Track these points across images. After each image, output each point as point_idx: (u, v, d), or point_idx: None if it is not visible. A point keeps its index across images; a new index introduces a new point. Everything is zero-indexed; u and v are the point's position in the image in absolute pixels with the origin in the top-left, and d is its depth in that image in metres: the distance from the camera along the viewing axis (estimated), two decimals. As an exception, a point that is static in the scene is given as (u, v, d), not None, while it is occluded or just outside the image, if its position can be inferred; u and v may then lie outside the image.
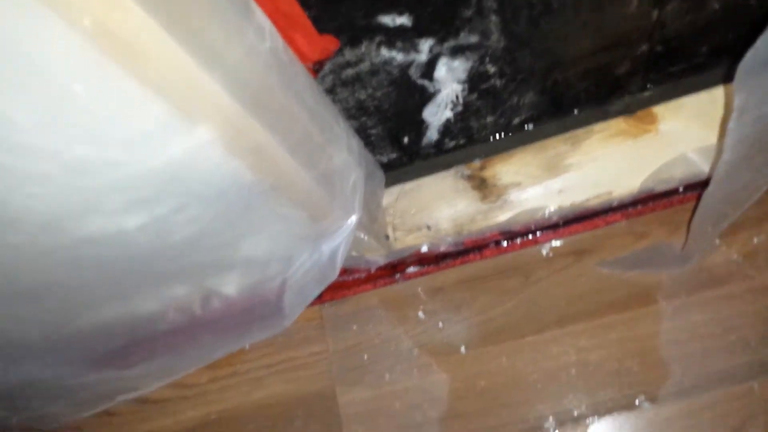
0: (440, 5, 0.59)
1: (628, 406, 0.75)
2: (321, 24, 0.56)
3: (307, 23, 0.53)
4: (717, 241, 0.76)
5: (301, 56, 0.56)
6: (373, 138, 0.78)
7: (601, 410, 0.75)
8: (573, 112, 0.81)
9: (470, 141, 0.83)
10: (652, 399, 0.74)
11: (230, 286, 0.72)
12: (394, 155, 0.83)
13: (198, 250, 0.62)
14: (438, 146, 0.83)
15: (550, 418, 0.76)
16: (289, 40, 0.53)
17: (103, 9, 0.31)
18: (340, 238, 0.63)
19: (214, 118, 0.41)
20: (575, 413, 0.76)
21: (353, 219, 0.63)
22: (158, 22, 0.33)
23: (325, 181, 0.56)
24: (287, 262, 0.65)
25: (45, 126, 0.37)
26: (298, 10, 0.52)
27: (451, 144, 0.83)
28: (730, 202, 0.63)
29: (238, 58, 0.41)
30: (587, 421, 0.75)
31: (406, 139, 0.80)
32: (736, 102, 0.49)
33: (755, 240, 0.75)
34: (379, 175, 0.75)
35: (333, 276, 0.64)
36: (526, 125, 0.82)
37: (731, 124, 0.51)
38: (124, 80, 0.35)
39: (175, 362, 0.77)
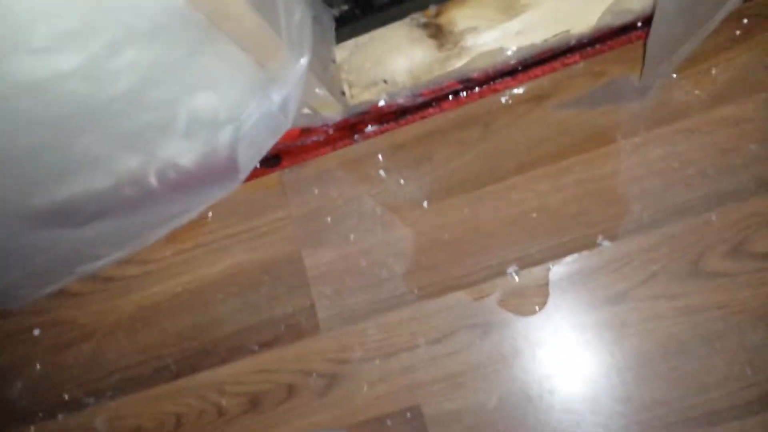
0: None
1: (588, 245, 0.76)
2: None
3: None
4: (674, 75, 0.75)
5: None
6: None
7: (562, 252, 0.76)
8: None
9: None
10: (612, 237, 0.75)
11: (183, 154, 0.70)
12: (345, 7, 0.79)
13: (143, 105, 0.59)
14: (391, -3, 0.79)
15: (514, 263, 0.77)
16: None
17: None
18: (291, 83, 0.60)
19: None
20: (537, 256, 0.77)
21: (303, 62, 0.60)
22: None
23: (267, 11, 0.52)
24: (236, 114, 0.63)
25: None
26: None
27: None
28: (680, 28, 0.61)
29: None
30: (549, 263, 0.77)
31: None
32: None
33: (713, 71, 0.74)
34: (328, 17, 0.71)
35: (286, 125, 0.62)
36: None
37: None
38: None
39: (131, 225, 0.74)
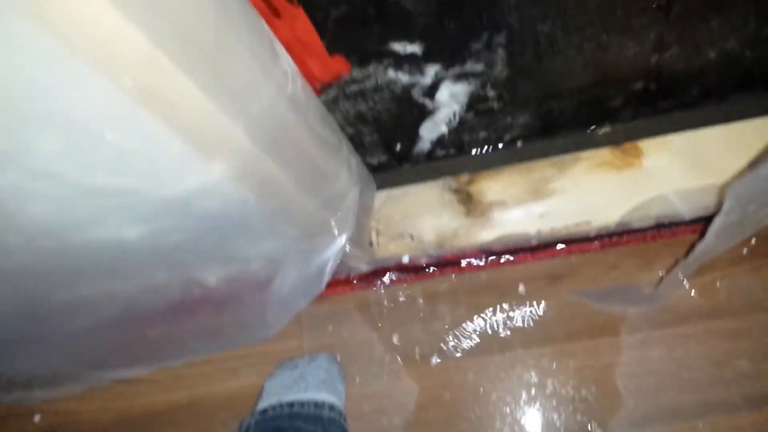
0: (451, 38, 0.60)
1: (579, 430, 0.79)
2: (334, 47, 0.57)
3: (322, 50, 0.54)
4: (684, 280, 0.79)
5: (314, 79, 0.56)
6: (367, 143, 0.79)
7: (556, 430, 0.79)
8: (563, 137, 0.83)
9: (461, 153, 0.85)
10: (605, 427, 0.78)
11: (214, 276, 0.73)
12: (385, 158, 0.84)
13: (189, 249, 0.63)
14: (430, 155, 0.84)
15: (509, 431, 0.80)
16: (303, 65, 0.54)
17: (143, 70, 0.31)
18: (330, 253, 0.65)
19: (231, 157, 0.42)
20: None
21: (345, 237, 0.64)
22: (192, 80, 0.34)
23: (325, 204, 0.57)
24: (275, 271, 0.66)
25: (67, 156, 0.37)
26: (315, 38, 0.52)
27: (443, 153, 0.84)
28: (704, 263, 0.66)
29: (261, 105, 0.42)
30: (544, 436, 0.80)
31: (399, 147, 0.81)
32: (726, 206, 0.53)
33: (718, 284, 0.79)
34: (372, 188, 0.76)
35: (319, 290, 0.65)
36: (516, 143, 0.84)
37: (718, 220, 0.54)
38: (151, 124, 0.36)
39: (153, 355, 0.77)
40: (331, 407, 0.77)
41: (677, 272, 0.70)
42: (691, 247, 0.69)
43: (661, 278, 0.77)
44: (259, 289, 0.67)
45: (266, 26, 0.45)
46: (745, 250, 0.79)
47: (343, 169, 0.61)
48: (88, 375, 0.80)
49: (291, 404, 0.76)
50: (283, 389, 0.78)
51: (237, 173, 0.44)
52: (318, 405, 0.76)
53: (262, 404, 0.78)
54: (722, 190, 0.67)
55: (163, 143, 0.38)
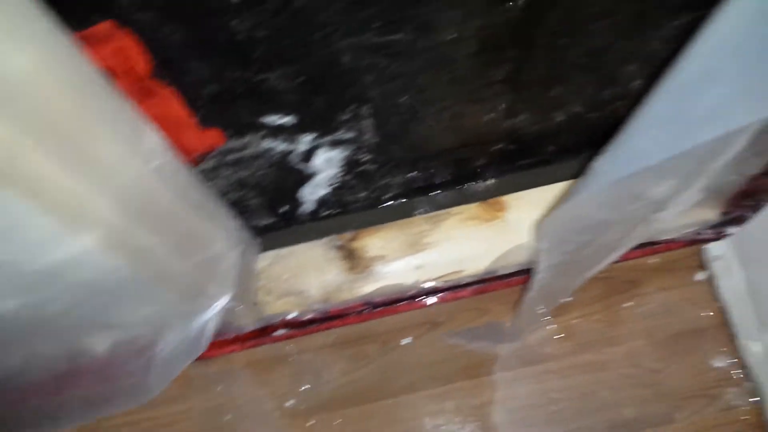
0: (320, 110, 0.65)
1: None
2: (209, 120, 0.61)
3: (195, 125, 0.57)
4: (547, 318, 0.87)
5: (189, 151, 0.60)
6: (251, 206, 0.82)
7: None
8: (435, 194, 0.90)
9: (344, 212, 0.90)
10: (486, 462, 0.84)
11: (97, 344, 0.73)
12: (271, 220, 0.88)
13: (68, 318, 0.63)
14: (314, 215, 0.89)
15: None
16: (177, 138, 0.57)
17: (4, 155, 0.34)
18: (211, 314, 0.67)
19: (99, 230, 0.44)
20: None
21: (225, 297, 0.67)
22: (54, 162, 0.37)
23: (201, 267, 0.60)
24: (156, 335, 0.68)
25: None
26: (186, 114, 0.56)
27: (326, 213, 0.89)
28: (547, 299, 0.74)
29: (127, 178, 0.45)
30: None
31: (283, 209, 0.85)
32: (541, 245, 0.60)
33: (577, 322, 0.87)
34: (255, 249, 0.79)
35: (200, 351, 0.67)
36: (394, 201, 0.91)
37: (539, 258, 0.62)
38: (15, 203, 0.38)
39: (34, 424, 0.75)
40: None
41: (526, 308, 0.78)
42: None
43: (516, 314, 0.84)
44: (139, 354, 0.68)
45: (131, 108, 0.48)
46: (599, 291, 0.88)
47: (220, 234, 0.64)
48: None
49: None
50: None
51: (107, 244, 0.46)
52: None
53: None
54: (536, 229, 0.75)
55: (29, 220, 0.40)
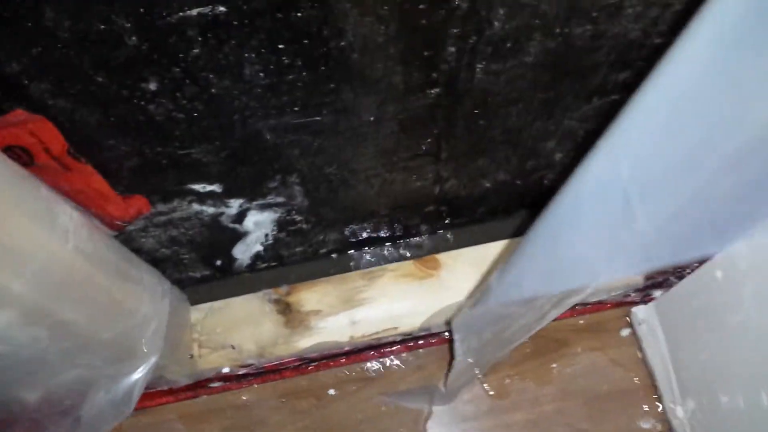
0: (247, 179, 0.66)
1: None
2: (134, 188, 0.62)
3: (116, 195, 0.58)
4: (480, 377, 0.89)
5: (113, 218, 0.60)
6: (185, 261, 0.83)
7: None
8: (370, 251, 0.92)
9: (279, 265, 0.91)
10: None
11: (29, 393, 0.73)
12: (206, 272, 0.88)
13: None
14: (249, 267, 0.89)
15: None
16: (100, 208, 0.58)
17: None
18: (139, 375, 0.67)
19: (14, 308, 0.45)
20: None
21: (153, 359, 0.67)
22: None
23: (126, 334, 0.60)
24: (83, 397, 0.68)
25: None
26: (105, 187, 0.57)
27: (262, 266, 0.90)
28: (475, 365, 0.76)
29: (43, 257, 0.46)
30: None
31: (217, 263, 0.86)
32: (456, 336, 0.62)
33: (508, 381, 0.89)
34: (185, 306, 0.80)
35: (129, 410, 0.67)
36: (330, 256, 0.92)
37: (457, 345, 0.64)
38: None
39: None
40: None
41: (457, 374, 0.79)
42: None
43: (446, 379, 0.86)
44: (65, 415, 0.68)
45: (46, 190, 0.49)
46: (528, 350, 0.90)
47: (145, 297, 0.65)
48: None
49: None
50: None
51: (24, 321, 0.47)
52: None
53: None
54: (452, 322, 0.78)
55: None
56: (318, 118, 0.57)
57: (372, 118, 0.59)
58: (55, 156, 0.51)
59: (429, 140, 0.67)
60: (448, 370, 0.83)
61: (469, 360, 0.70)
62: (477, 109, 0.62)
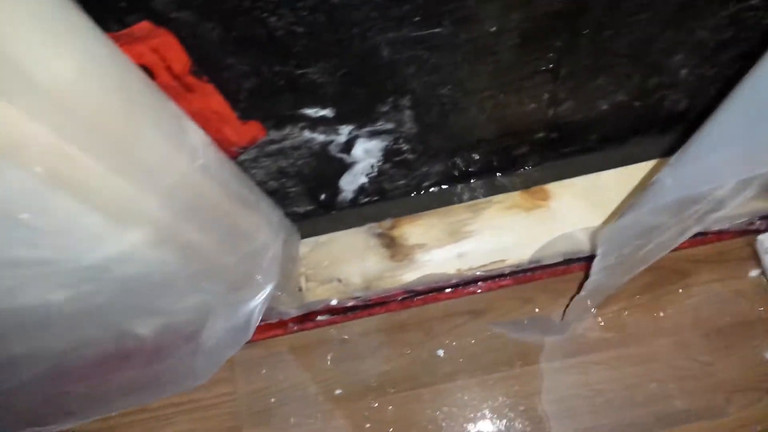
0: (360, 102, 0.65)
1: (505, 454, 0.84)
2: (249, 113, 0.61)
3: (235, 118, 0.58)
4: (593, 311, 0.86)
5: (230, 144, 0.60)
6: (291, 195, 0.83)
7: (485, 456, 0.84)
8: (476, 183, 0.89)
9: (383, 199, 0.90)
10: (528, 450, 0.84)
11: (144, 327, 0.76)
12: (310, 207, 0.88)
13: (116, 307, 0.65)
14: (353, 202, 0.89)
15: (439, 463, 0.84)
16: (219, 132, 0.58)
17: (52, 158, 0.35)
18: (256, 303, 0.68)
19: (146, 227, 0.45)
20: (460, 460, 0.84)
21: (270, 287, 0.68)
22: (102, 163, 0.38)
23: (246, 259, 0.61)
24: (202, 323, 0.69)
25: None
26: (226, 109, 0.56)
27: (366, 200, 0.89)
28: (598, 294, 0.72)
29: (173, 176, 0.45)
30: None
31: (323, 197, 0.86)
32: (600, 250, 0.59)
33: (624, 313, 0.85)
34: (296, 237, 0.80)
35: (246, 338, 0.69)
36: (434, 189, 0.90)
37: (596, 260, 0.61)
38: (64, 203, 0.39)
39: (85, 408, 0.79)
40: None
41: (577, 305, 0.76)
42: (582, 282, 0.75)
43: (565, 310, 0.83)
44: (187, 341, 0.70)
45: (174, 106, 0.49)
46: (648, 281, 0.86)
47: (263, 225, 0.65)
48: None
49: None
50: None
51: (154, 240, 0.47)
52: None
53: None
54: (596, 235, 0.73)
55: (77, 219, 0.41)
56: (437, 30, 0.55)
57: (494, 29, 0.56)
58: (176, 74, 0.50)
59: (550, 54, 0.63)
60: (570, 302, 0.80)
61: (597, 285, 0.67)
62: (605, 17, 0.58)
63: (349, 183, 0.82)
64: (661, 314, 0.85)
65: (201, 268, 0.55)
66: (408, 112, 0.69)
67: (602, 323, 0.85)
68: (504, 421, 0.84)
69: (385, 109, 0.67)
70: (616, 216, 0.66)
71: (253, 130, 0.61)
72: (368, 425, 0.86)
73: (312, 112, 0.64)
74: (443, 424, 0.85)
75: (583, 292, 0.72)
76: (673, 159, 0.51)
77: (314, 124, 0.66)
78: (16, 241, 0.42)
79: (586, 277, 0.72)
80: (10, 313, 0.55)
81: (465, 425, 0.85)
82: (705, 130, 0.46)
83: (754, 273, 0.85)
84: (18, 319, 0.59)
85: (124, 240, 0.45)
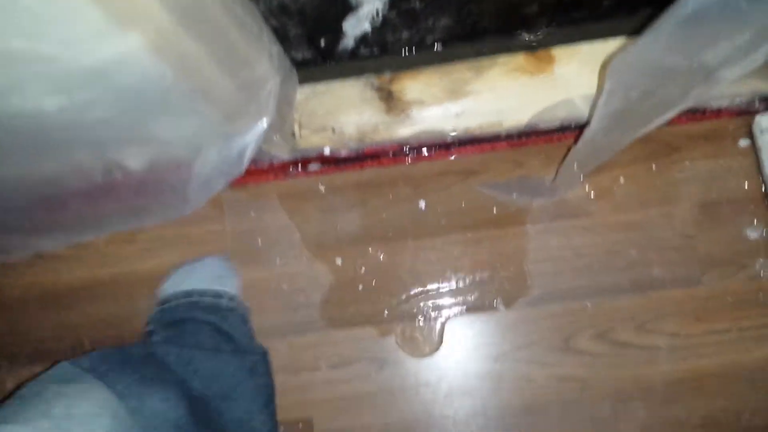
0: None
1: (485, 307, 0.87)
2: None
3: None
4: (582, 178, 0.86)
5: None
6: (291, 37, 0.80)
7: (462, 308, 0.88)
8: (481, 41, 0.87)
9: (384, 52, 0.87)
10: (507, 303, 0.87)
11: (135, 159, 0.75)
12: (309, 54, 0.86)
13: (109, 127, 0.65)
14: (353, 53, 0.86)
15: (418, 311, 0.88)
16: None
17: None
18: (251, 137, 0.68)
19: (146, 27, 0.44)
20: (440, 308, 0.88)
21: (265, 121, 0.67)
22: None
23: (244, 87, 0.60)
24: (196, 152, 0.69)
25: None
26: None
27: (366, 52, 0.87)
28: (592, 155, 0.72)
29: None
30: (449, 316, 0.88)
31: (323, 42, 0.83)
32: (607, 86, 0.57)
33: (614, 182, 0.86)
34: (294, 79, 0.78)
35: (239, 171, 0.69)
36: (436, 45, 0.87)
37: (600, 102, 0.59)
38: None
39: (76, 229, 0.80)
40: (231, 298, 0.83)
41: (570, 163, 0.77)
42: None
43: (557, 171, 0.84)
44: (180, 169, 0.70)
45: None
46: (641, 152, 0.87)
47: (264, 56, 0.63)
48: (8, 241, 0.82)
49: (189, 294, 0.81)
50: (181, 283, 0.83)
51: (153, 44, 0.46)
52: (217, 295, 0.81)
53: (162, 296, 0.83)
54: (603, 69, 0.71)
55: (79, 9, 0.39)
56: None
57: None
58: None
59: None
60: (561, 163, 0.81)
61: (594, 136, 0.67)
62: None
63: (352, 27, 0.79)
64: (650, 186, 0.86)
65: (196, 87, 0.54)
66: (420, -50, 0.65)
67: (591, 191, 0.87)
68: (484, 275, 0.87)
69: (397, -58, 0.63)
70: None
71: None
72: (352, 270, 0.89)
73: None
74: (424, 276, 0.88)
75: (578, 144, 0.71)
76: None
77: (322, -48, 0.63)
78: (17, 30, 0.40)
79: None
80: (4, 120, 0.55)
81: (446, 275, 0.88)
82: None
83: (746, 153, 0.85)
84: (10, 129, 0.58)
85: (124, 40, 0.43)
